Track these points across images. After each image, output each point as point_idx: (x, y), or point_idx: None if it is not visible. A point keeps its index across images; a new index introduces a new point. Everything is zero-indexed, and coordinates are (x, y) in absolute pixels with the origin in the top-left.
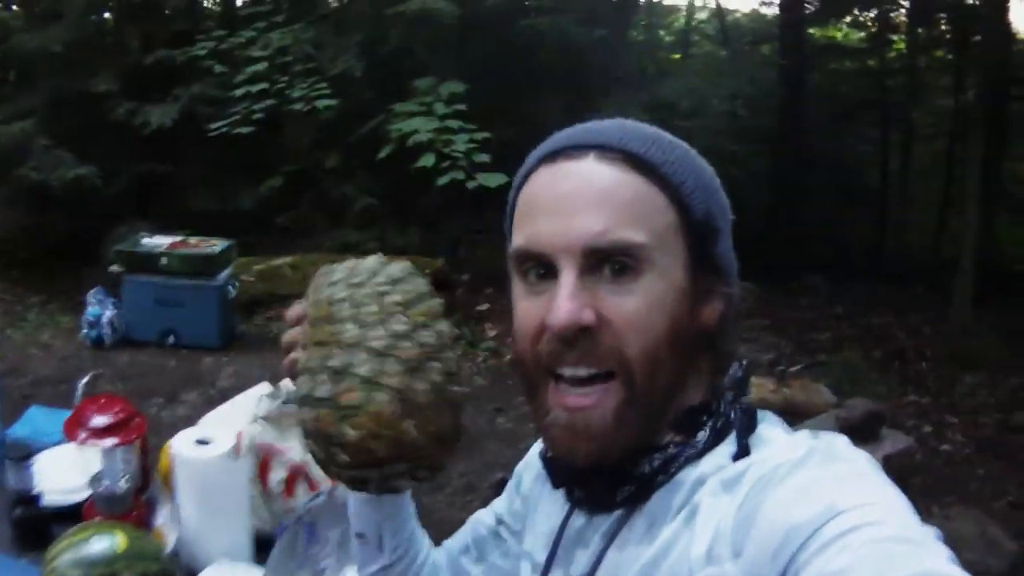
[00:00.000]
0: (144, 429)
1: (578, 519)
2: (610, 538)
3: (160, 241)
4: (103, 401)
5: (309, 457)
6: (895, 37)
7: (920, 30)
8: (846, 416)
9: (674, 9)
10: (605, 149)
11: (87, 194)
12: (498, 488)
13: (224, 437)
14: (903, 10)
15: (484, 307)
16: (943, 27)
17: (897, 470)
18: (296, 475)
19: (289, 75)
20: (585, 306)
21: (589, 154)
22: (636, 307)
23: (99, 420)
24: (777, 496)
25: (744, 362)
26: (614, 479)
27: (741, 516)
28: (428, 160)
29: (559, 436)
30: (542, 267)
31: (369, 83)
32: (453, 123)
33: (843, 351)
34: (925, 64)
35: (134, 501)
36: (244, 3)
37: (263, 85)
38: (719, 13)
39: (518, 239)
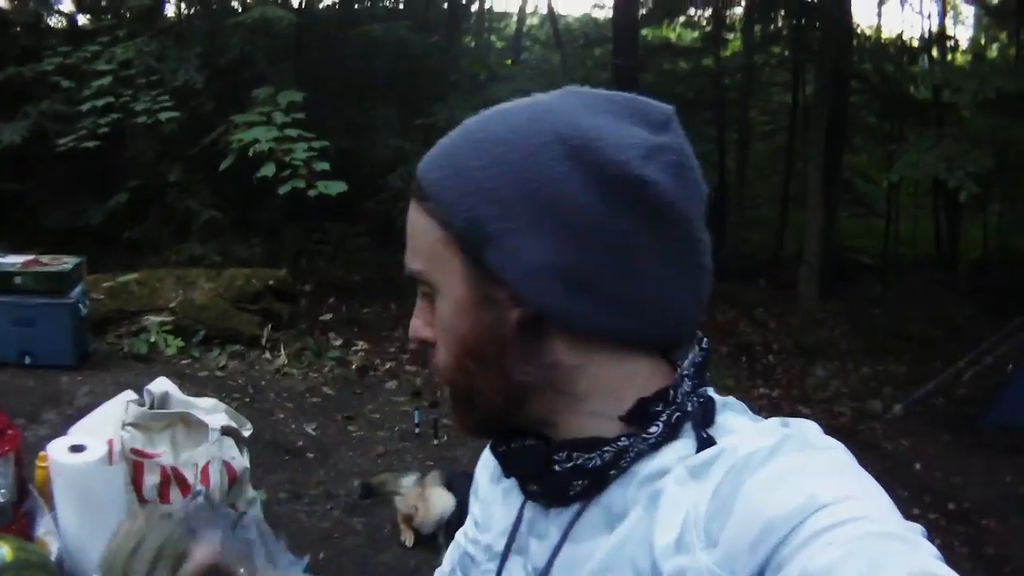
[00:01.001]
0: (17, 440)
1: (532, 510)
2: (566, 531)
3: (14, 260)
4: None
5: (180, 460)
6: (730, 36)
7: (757, 27)
8: None
9: (506, 15)
10: (414, 181)
11: None
12: (359, 494)
13: (96, 444)
14: (739, 8)
15: (327, 317)
16: (779, 24)
17: None
18: (169, 479)
19: (133, 88)
20: (424, 324)
21: (416, 189)
22: (440, 327)
23: None
24: (753, 485)
25: (704, 346)
26: (564, 473)
27: (715, 505)
28: (269, 169)
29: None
30: None
31: (210, 94)
32: (292, 131)
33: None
34: (762, 61)
35: (13, 513)
36: (88, 20)
37: (108, 99)
38: (551, 17)
39: None
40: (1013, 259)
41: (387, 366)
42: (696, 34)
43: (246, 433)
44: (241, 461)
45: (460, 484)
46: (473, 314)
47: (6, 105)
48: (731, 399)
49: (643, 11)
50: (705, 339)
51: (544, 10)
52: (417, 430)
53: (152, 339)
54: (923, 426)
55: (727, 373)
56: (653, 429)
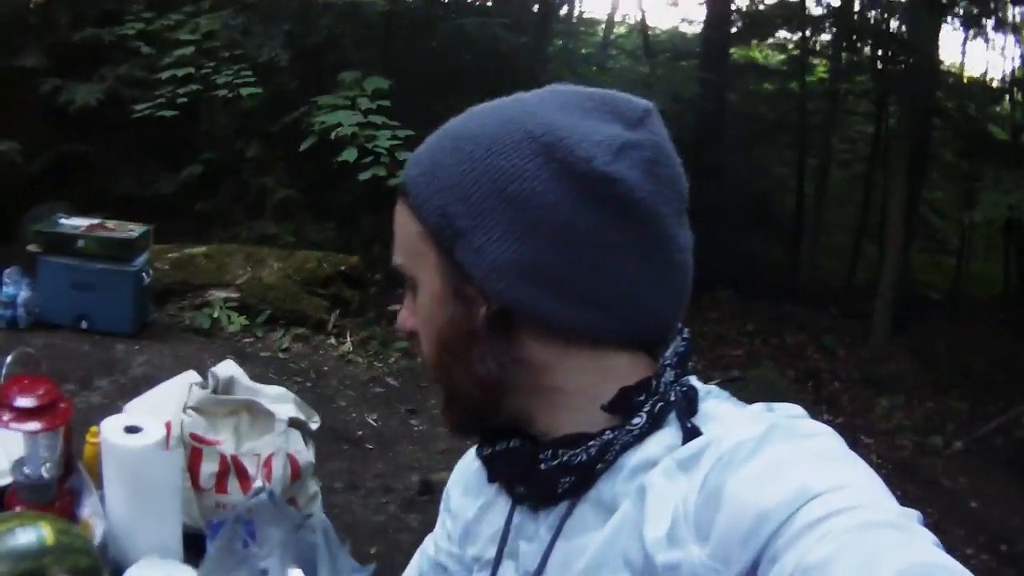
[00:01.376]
0: (69, 415)
1: (520, 514)
2: (557, 529)
3: (78, 223)
4: (27, 382)
5: (242, 450)
6: (816, 61)
7: (844, 56)
8: None
9: (595, 22)
10: (402, 178)
11: (7, 170)
12: (417, 490)
13: (153, 426)
14: (827, 35)
15: (397, 307)
16: (866, 53)
17: None
18: (228, 470)
19: (215, 60)
20: (410, 316)
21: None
22: (419, 319)
23: (23, 402)
24: (743, 476)
25: (685, 336)
26: (551, 471)
27: (704, 497)
28: (351, 155)
29: None
30: None
31: (294, 73)
32: (376, 118)
33: (758, 368)
34: (847, 90)
35: (58, 490)
36: None
37: (189, 69)
38: (643, 28)
39: None
40: None
41: None
42: (783, 57)
43: (314, 426)
44: (306, 455)
45: None
46: (446, 308)
47: (84, 67)
48: (714, 387)
49: (733, 29)
50: (687, 330)
51: (632, 20)
52: None
53: (215, 314)
54: (982, 465)
55: (795, 399)
56: (636, 420)
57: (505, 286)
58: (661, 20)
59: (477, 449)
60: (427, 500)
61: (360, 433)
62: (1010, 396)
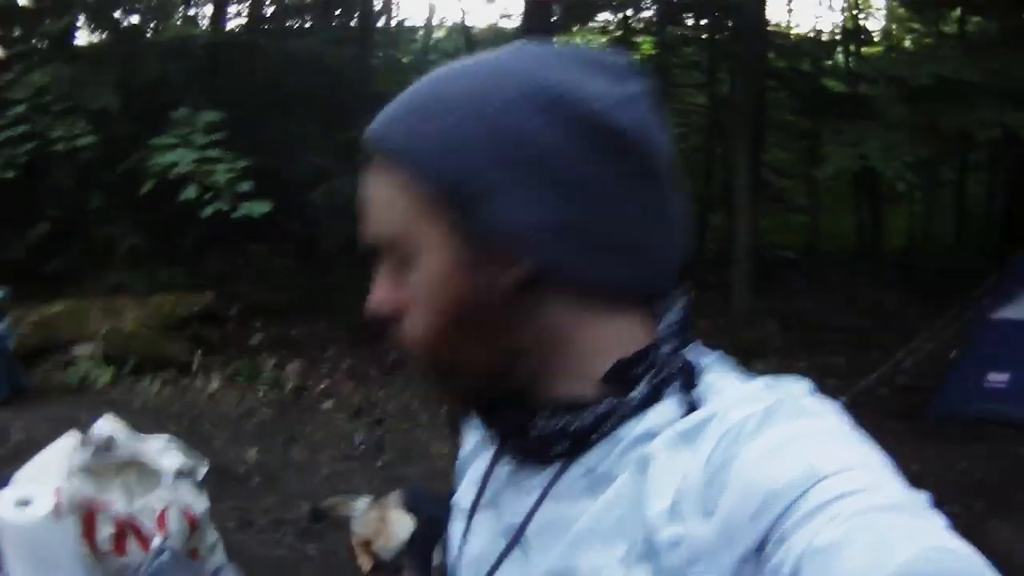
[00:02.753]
0: None
1: (506, 465)
2: (546, 489)
3: None
4: None
5: (135, 508)
6: (641, 39)
7: (669, 28)
8: None
9: (414, 29)
10: (370, 144)
11: None
12: (310, 518)
13: (43, 495)
14: (650, 12)
15: (258, 339)
16: (691, 24)
17: None
18: (125, 531)
19: (50, 116)
20: (388, 295)
21: (368, 153)
22: (414, 297)
23: None
24: (750, 453)
25: (684, 303)
26: (544, 436)
27: (709, 473)
28: (191, 192)
29: None
30: None
31: (128, 118)
32: (212, 152)
33: None
34: (674, 63)
35: None
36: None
37: (25, 127)
38: (464, 29)
39: None
40: (938, 246)
41: (323, 385)
42: (606, 40)
43: (202, 472)
44: (199, 504)
45: (421, 503)
46: (459, 279)
47: None
48: (718, 355)
49: (553, 18)
50: (686, 298)
51: (450, 22)
52: (360, 448)
53: (83, 370)
54: (870, 417)
55: None
56: (635, 392)
57: (535, 246)
58: (480, 19)
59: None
60: (321, 527)
61: (242, 469)
62: (885, 345)
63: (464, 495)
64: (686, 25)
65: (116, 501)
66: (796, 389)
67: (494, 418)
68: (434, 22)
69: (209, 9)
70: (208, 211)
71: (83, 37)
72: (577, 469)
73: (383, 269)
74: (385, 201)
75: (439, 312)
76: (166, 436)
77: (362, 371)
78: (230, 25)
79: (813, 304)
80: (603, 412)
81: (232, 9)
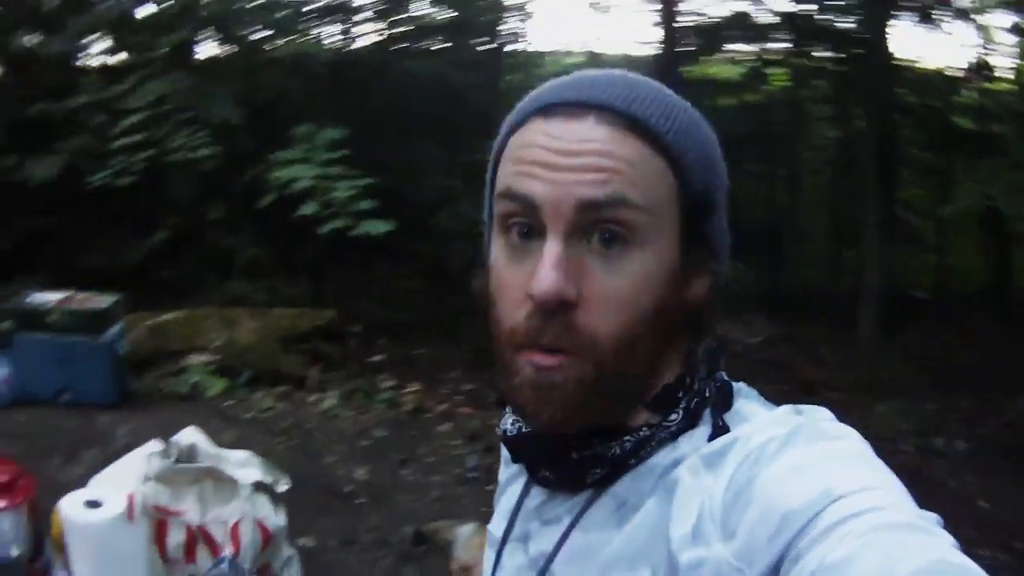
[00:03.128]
0: (32, 490)
1: (536, 496)
2: (577, 516)
3: (48, 297)
4: None
5: (208, 518)
6: (774, 71)
7: (800, 61)
8: None
9: (546, 55)
10: (606, 111)
11: None
12: (413, 541)
13: (115, 498)
14: (783, 44)
15: (378, 358)
16: (822, 57)
17: None
18: (195, 539)
19: (168, 125)
20: (569, 278)
21: (589, 116)
22: (619, 286)
23: None
24: (769, 476)
25: (716, 331)
26: (583, 460)
27: (730, 496)
28: (310, 208)
29: (527, 394)
30: (527, 223)
31: (249, 132)
32: (333, 170)
33: (752, 386)
34: (806, 96)
35: (27, 570)
36: (119, 59)
37: (141, 136)
38: (592, 55)
39: (505, 182)
40: None
41: (441, 408)
42: (740, 70)
43: (282, 488)
44: (276, 520)
45: None
46: (675, 278)
47: (38, 142)
48: (743, 385)
49: (686, 48)
50: (716, 326)
51: (582, 48)
52: (472, 473)
53: (194, 379)
54: (989, 462)
55: None
56: (673, 416)
57: (725, 260)
58: (611, 46)
59: (501, 430)
60: (423, 551)
61: (351, 488)
62: (1010, 389)
63: (496, 526)
64: (816, 58)
65: (189, 510)
66: (819, 415)
67: (525, 448)
68: (566, 48)
69: (338, 27)
70: (327, 228)
71: (205, 50)
72: (607, 499)
73: (562, 241)
74: (644, 175)
75: (637, 308)
76: (248, 452)
77: (481, 396)
78: (360, 44)
79: (941, 344)
80: (642, 438)
81: (362, 29)
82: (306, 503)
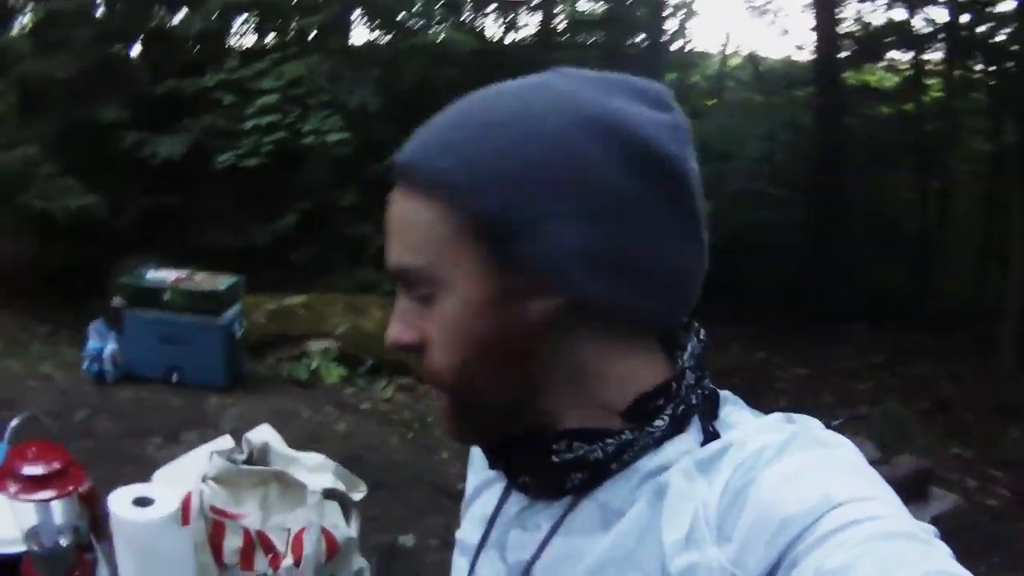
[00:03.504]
0: (83, 479)
1: (515, 503)
2: (557, 523)
3: (165, 275)
4: (34, 449)
5: (270, 524)
6: (930, 81)
7: (956, 73)
8: (892, 474)
9: (706, 56)
10: (405, 173)
11: (93, 224)
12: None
13: (169, 497)
14: (939, 53)
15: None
16: (978, 68)
17: (944, 530)
18: (253, 545)
19: (302, 107)
20: (408, 328)
21: (400, 179)
22: (439, 332)
23: (31, 470)
24: (766, 481)
25: (701, 336)
26: (564, 464)
27: (726, 500)
28: None
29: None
30: None
31: (387, 119)
32: None
33: (886, 402)
34: (962, 107)
35: (76, 559)
36: (261, 38)
37: (273, 117)
38: (752, 58)
39: None
40: None
41: None
42: (897, 79)
43: (357, 497)
44: (345, 530)
45: None
46: (494, 311)
47: (167, 119)
48: (728, 393)
49: (844, 53)
50: (703, 330)
51: (743, 51)
52: None
53: (314, 365)
54: None
55: (924, 432)
56: (658, 423)
57: (575, 277)
58: (772, 50)
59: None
60: None
61: (462, 487)
62: None
63: (469, 533)
64: (973, 69)
65: (250, 514)
66: (811, 423)
67: (509, 454)
68: (727, 51)
69: (491, 18)
70: None
71: (356, 35)
72: (590, 504)
73: (404, 299)
74: (415, 229)
75: (465, 345)
76: (323, 456)
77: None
78: (520, 35)
79: None
80: (625, 441)
81: (522, 20)
82: (415, 500)
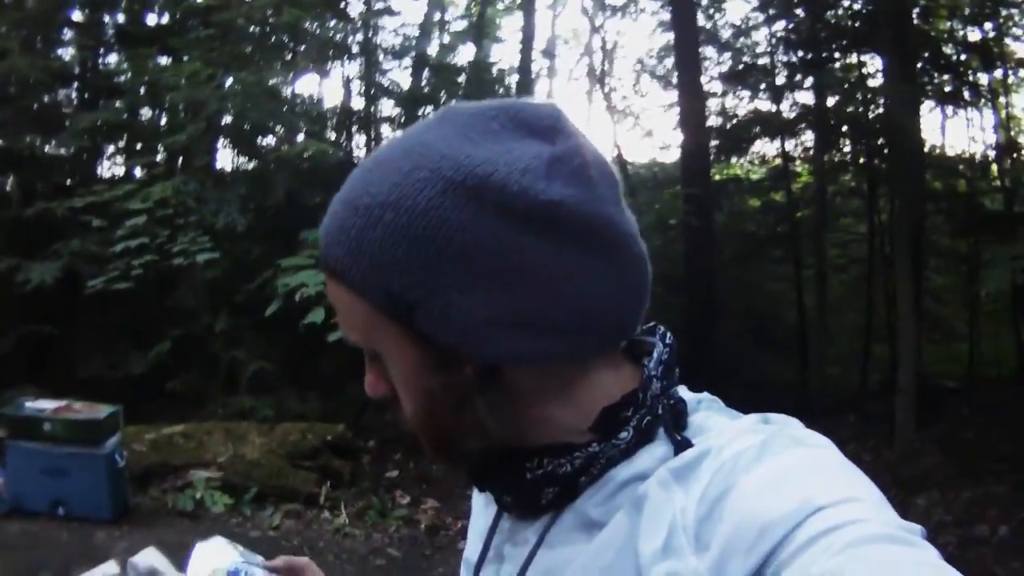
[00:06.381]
0: None
1: (508, 519)
2: (540, 537)
3: (44, 406)
4: None
5: None
6: (800, 168)
7: (826, 157)
8: None
9: None
10: (319, 253)
11: None
12: None
13: None
14: (806, 139)
15: (393, 474)
16: (847, 150)
17: None
18: None
19: (171, 228)
20: (379, 383)
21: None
22: (397, 384)
23: None
24: (744, 487)
25: (667, 340)
26: (536, 481)
27: (704, 508)
28: (317, 315)
29: None
30: None
31: (255, 237)
32: None
33: None
34: (833, 191)
35: None
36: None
37: (143, 239)
38: (621, 164)
39: None
40: None
41: (460, 525)
42: (765, 169)
43: None
44: None
45: None
46: (427, 375)
47: (38, 244)
48: (706, 395)
49: (712, 147)
50: (670, 336)
51: (609, 157)
52: None
53: (198, 495)
54: None
55: None
56: (623, 435)
57: (483, 342)
58: (637, 154)
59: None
60: None
61: None
62: None
63: (471, 550)
64: (843, 151)
65: None
66: (791, 422)
67: (489, 479)
68: None
69: (362, 138)
70: (335, 336)
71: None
72: (569, 515)
73: (367, 358)
74: (344, 309)
75: (419, 399)
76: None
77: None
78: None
79: (975, 433)
80: (591, 454)
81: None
82: None
